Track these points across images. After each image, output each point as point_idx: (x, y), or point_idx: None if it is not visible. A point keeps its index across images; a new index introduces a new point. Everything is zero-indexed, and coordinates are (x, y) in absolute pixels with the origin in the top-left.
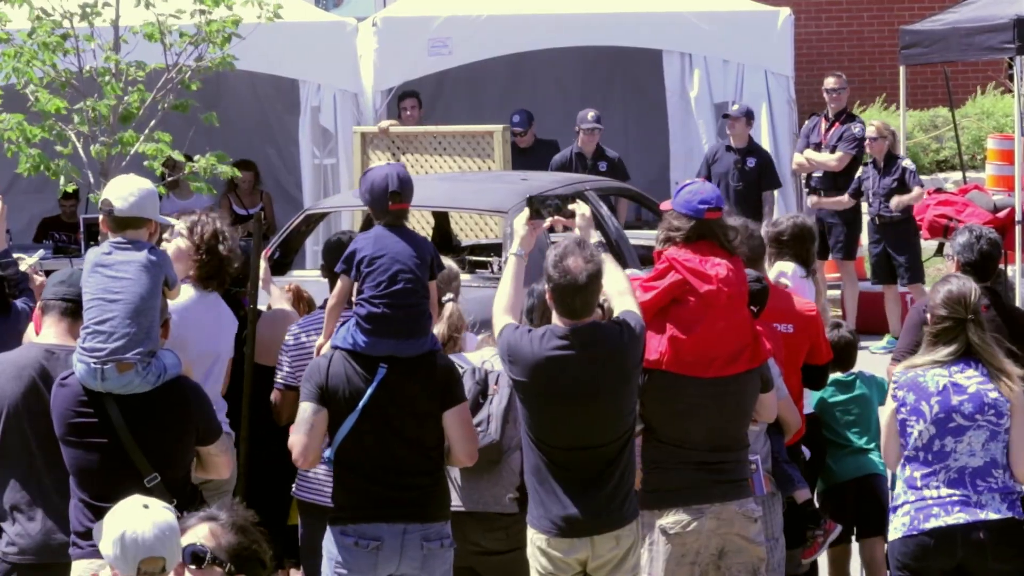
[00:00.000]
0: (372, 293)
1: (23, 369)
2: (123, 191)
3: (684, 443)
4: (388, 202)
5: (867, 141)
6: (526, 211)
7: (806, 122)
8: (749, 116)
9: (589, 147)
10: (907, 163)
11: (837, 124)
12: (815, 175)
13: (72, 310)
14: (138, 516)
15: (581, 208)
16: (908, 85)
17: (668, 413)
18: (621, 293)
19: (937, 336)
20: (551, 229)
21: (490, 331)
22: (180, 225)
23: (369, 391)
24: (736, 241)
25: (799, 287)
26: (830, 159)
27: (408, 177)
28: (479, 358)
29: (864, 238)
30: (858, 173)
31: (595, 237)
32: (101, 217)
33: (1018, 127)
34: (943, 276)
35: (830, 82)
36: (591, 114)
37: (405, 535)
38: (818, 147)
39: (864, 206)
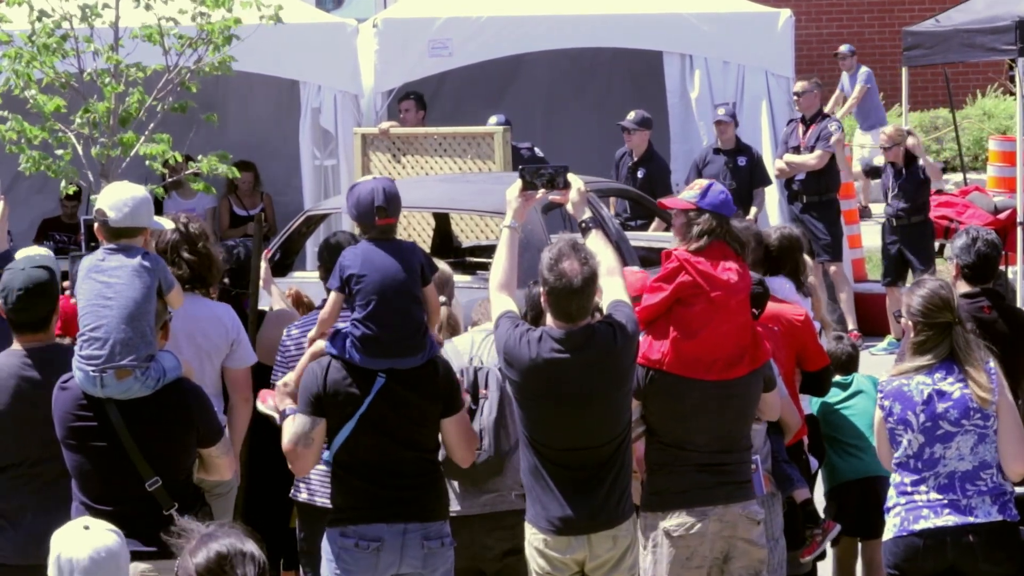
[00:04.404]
0: (363, 314)
1: (7, 379)
2: (117, 201)
3: (687, 445)
4: (375, 217)
5: (881, 151)
6: (519, 182)
7: (784, 129)
8: (735, 117)
9: (635, 148)
10: (923, 162)
11: (813, 125)
12: (797, 178)
13: None
14: (75, 539)
15: (576, 182)
16: (909, 86)
17: (671, 415)
18: (611, 272)
19: (923, 344)
20: (549, 207)
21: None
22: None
23: (367, 400)
24: (752, 245)
25: (791, 299)
26: (809, 158)
27: (395, 191)
28: (468, 343)
29: (875, 238)
30: (879, 163)
31: (587, 213)
32: (96, 226)
33: (1020, 128)
34: (915, 281)
35: (797, 86)
36: (629, 116)
37: (405, 535)
38: (797, 150)
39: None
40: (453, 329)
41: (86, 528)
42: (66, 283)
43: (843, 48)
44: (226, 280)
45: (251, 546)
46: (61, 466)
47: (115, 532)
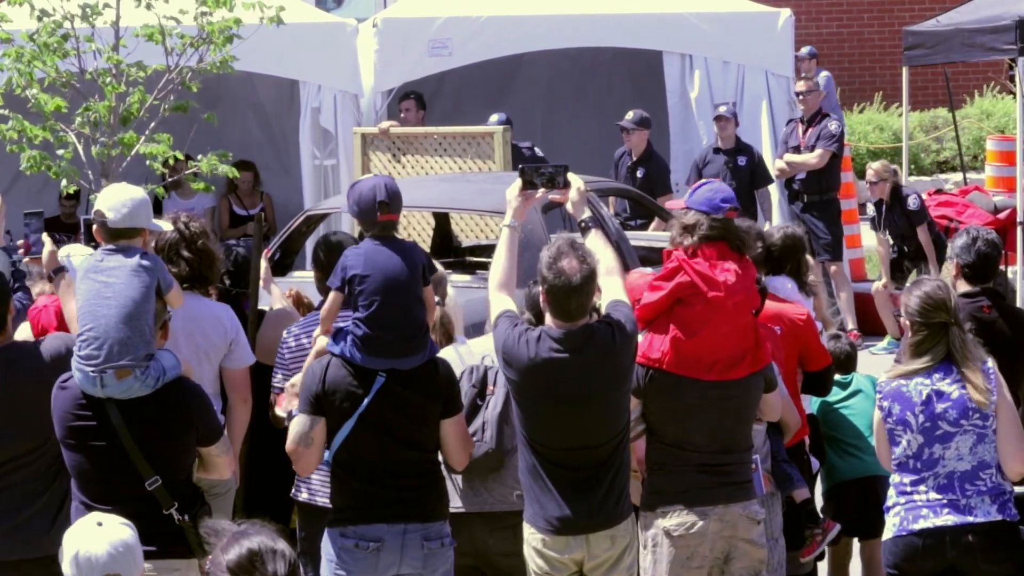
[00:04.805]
0: (365, 314)
1: None
2: (115, 202)
3: (686, 445)
4: (377, 213)
5: (868, 185)
6: (518, 181)
7: (784, 129)
8: (736, 116)
9: (633, 149)
10: (911, 202)
11: (813, 125)
12: (798, 177)
13: None
14: (91, 535)
15: (576, 182)
16: (909, 86)
17: (669, 414)
18: (609, 272)
19: (919, 340)
20: (549, 207)
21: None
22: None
23: (367, 400)
24: (751, 244)
25: (793, 298)
26: (810, 158)
27: (396, 188)
28: (482, 348)
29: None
30: (870, 211)
31: (586, 212)
32: (95, 228)
33: (1019, 128)
34: (914, 280)
35: (800, 85)
36: (628, 116)
37: (405, 535)
38: (797, 150)
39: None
40: (446, 329)
41: (99, 524)
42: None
43: (804, 50)
44: (226, 280)
45: (282, 544)
46: (29, 467)
47: (128, 525)
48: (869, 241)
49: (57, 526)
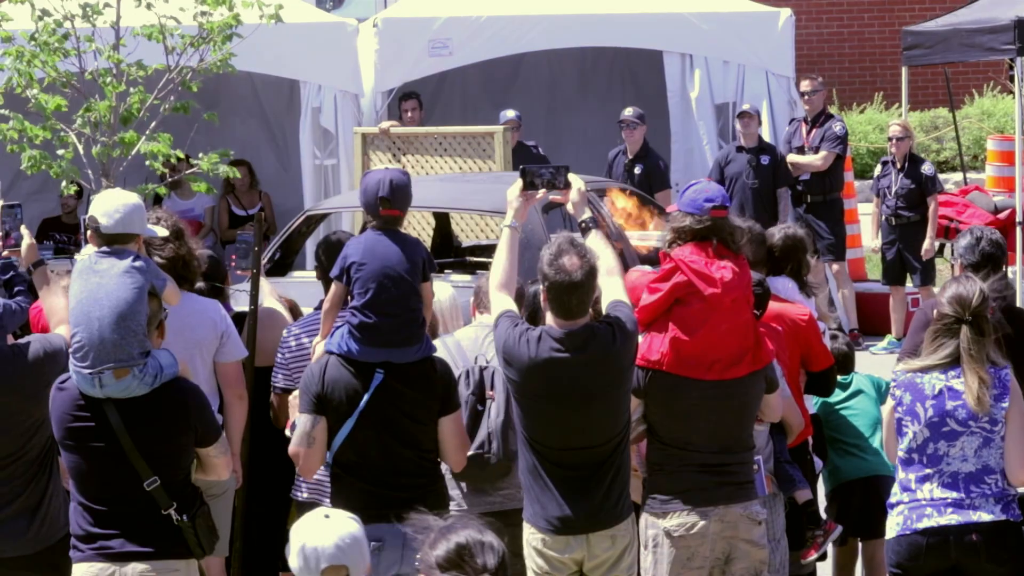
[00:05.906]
0: (361, 302)
1: None
2: (109, 207)
3: (687, 445)
4: (379, 208)
5: (892, 140)
6: (519, 182)
7: (787, 128)
8: (759, 113)
9: (631, 146)
10: (927, 167)
11: (817, 126)
12: (802, 178)
13: None
14: (318, 528)
15: (576, 182)
16: (908, 86)
17: (670, 414)
18: (610, 272)
19: (936, 335)
20: (549, 207)
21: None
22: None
23: (366, 396)
24: (742, 242)
25: (794, 299)
26: (815, 159)
27: (404, 183)
28: (471, 340)
29: (872, 238)
30: (876, 171)
31: (587, 213)
32: (89, 233)
33: (1019, 128)
34: (955, 276)
35: (804, 85)
36: (627, 111)
37: (407, 535)
38: (801, 150)
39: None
40: (432, 327)
41: (327, 517)
42: None
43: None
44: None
45: (490, 536)
46: (5, 471)
47: (354, 519)
48: (869, 241)
49: (34, 527)
